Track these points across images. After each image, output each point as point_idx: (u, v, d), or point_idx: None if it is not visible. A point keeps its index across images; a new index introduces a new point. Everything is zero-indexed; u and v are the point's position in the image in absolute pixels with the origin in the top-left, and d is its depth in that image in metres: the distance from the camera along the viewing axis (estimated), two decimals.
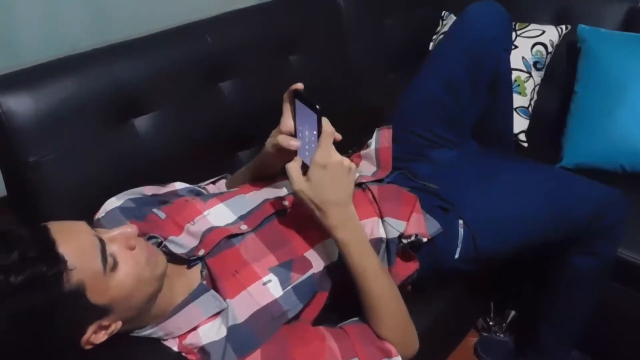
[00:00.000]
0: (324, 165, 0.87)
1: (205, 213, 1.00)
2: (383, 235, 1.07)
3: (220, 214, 1.01)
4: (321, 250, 0.99)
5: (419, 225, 1.09)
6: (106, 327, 0.79)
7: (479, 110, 1.32)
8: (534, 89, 1.71)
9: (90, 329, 0.77)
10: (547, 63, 1.73)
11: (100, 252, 0.76)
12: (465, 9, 1.26)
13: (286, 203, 1.04)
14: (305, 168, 0.90)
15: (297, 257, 0.96)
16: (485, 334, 1.62)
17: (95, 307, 0.76)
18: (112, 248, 0.79)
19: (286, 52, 1.49)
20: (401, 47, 1.79)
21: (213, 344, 0.85)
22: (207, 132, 1.30)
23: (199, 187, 1.16)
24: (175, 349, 0.88)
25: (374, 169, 1.26)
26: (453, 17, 1.85)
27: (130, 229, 0.82)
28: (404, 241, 1.07)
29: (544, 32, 1.71)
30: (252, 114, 1.37)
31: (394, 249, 1.07)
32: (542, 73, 1.73)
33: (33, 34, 1.47)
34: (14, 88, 1.04)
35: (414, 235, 1.07)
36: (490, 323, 1.62)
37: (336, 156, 0.88)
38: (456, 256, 1.13)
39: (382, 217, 1.08)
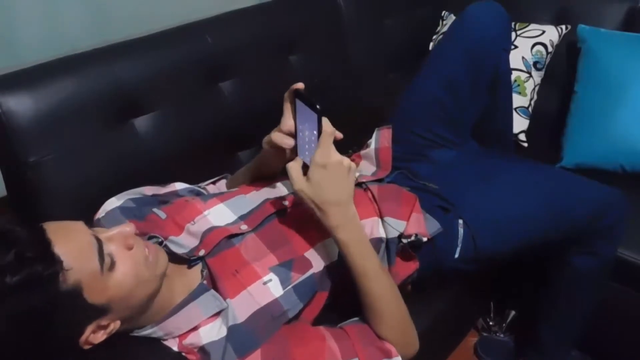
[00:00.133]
0: (323, 165, 0.87)
1: (206, 213, 1.00)
2: (383, 235, 1.07)
3: (220, 214, 1.01)
4: (321, 250, 0.99)
5: (418, 225, 1.09)
6: (105, 327, 0.79)
7: (479, 110, 1.32)
8: (534, 89, 1.71)
9: (89, 328, 0.77)
10: (547, 63, 1.73)
11: (97, 252, 0.76)
12: (465, 9, 1.26)
13: (286, 203, 1.04)
14: (305, 168, 0.91)
15: (298, 256, 0.96)
16: (485, 334, 1.62)
17: (93, 307, 0.76)
18: (109, 248, 0.79)
19: (286, 52, 1.49)
20: (401, 47, 1.79)
21: (213, 344, 0.85)
22: (207, 132, 1.30)
23: (199, 187, 1.16)
24: (175, 348, 0.88)
25: (373, 168, 1.26)
26: (453, 17, 1.85)
27: (128, 227, 0.82)
28: (404, 241, 1.07)
29: (544, 32, 1.71)
30: (252, 114, 1.37)
31: (393, 249, 1.07)
32: (542, 73, 1.73)
33: (33, 34, 1.47)
34: (14, 88, 1.04)
35: (414, 235, 1.07)
36: (490, 323, 1.62)
37: (336, 156, 0.88)
38: (456, 256, 1.13)
39: (382, 217, 1.08)
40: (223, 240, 0.96)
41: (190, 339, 0.87)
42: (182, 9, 1.57)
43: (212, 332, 0.87)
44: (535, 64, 1.70)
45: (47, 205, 1.07)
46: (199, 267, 0.94)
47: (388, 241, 1.06)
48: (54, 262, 0.71)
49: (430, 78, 1.29)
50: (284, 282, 0.91)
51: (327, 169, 0.87)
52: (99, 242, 0.78)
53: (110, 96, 1.14)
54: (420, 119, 1.29)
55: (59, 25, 1.51)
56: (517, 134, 1.66)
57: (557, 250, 1.25)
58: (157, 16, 1.54)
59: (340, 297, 1.00)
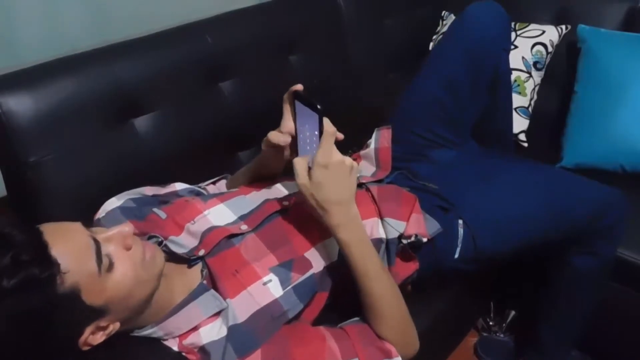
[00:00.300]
0: (325, 165, 0.87)
1: (206, 213, 1.00)
2: (383, 235, 1.07)
3: (220, 214, 1.01)
4: (321, 250, 0.99)
5: (418, 225, 1.09)
6: (104, 328, 0.79)
7: (479, 110, 1.32)
8: (534, 89, 1.71)
9: (88, 330, 0.77)
10: (547, 63, 1.73)
11: (95, 253, 0.76)
12: (465, 9, 1.26)
13: (286, 203, 1.04)
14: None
15: (298, 257, 0.96)
16: (485, 334, 1.62)
17: (91, 308, 0.76)
18: (108, 248, 0.78)
19: (286, 52, 1.49)
20: (401, 47, 1.79)
21: (213, 344, 0.85)
22: (207, 132, 1.30)
23: (199, 187, 1.16)
24: (175, 348, 0.88)
25: (373, 169, 1.26)
26: (453, 17, 1.85)
27: (127, 227, 0.82)
28: (404, 241, 1.07)
29: (544, 32, 1.71)
30: (252, 114, 1.37)
31: (393, 249, 1.07)
32: (542, 73, 1.73)
33: (33, 34, 1.47)
34: (14, 88, 1.04)
35: (414, 236, 1.07)
36: (490, 323, 1.62)
37: (338, 156, 0.89)
38: (456, 256, 1.13)
39: (381, 218, 1.08)
40: (223, 240, 0.96)
41: (190, 339, 0.87)
42: (182, 9, 1.57)
43: (212, 332, 0.87)
44: (535, 64, 1.70)
45: (47, 205, 1.07)
46: (198, 266, 0.94)
47: (388, 242, 1.06)
48: (50, 265, 0.71)
49: (430, 78, 1.29)
50: (283, 283, 0.91)
51: (329, 168, 0.88)
52: (97, 243, 0.77)
53: (110, 96, 1.14)
54: (420, 119, 1.29)
55: (59, 25, 1.51)
56: (517, 134, 1.66)
57: (557, 250, 1.25)
58: (157, 16, 1.54)
59: (340, 297, 1.00)
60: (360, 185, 1.14)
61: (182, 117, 1.25)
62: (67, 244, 0.74)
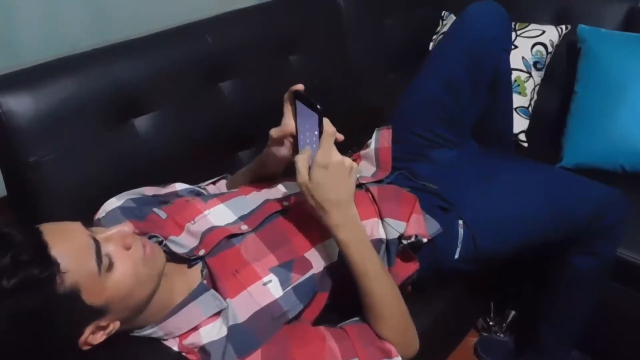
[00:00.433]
0: (325, 165, 0.87)
1: (206, 213, 1.00)
2: (383, 236, 1.07)
3: (220, 214, 1.01)
4: (321, 251, 0.99)
5: (418, 225, 1.09)
6: (104, 328, 0.79)
7: (479, 110, 1.32)
8: (534, 89, 1.71)
9: (88, 329, 0.77)
10: (547, 63, 1.73)
11: (95, 253, 0.76)
12: (465, 9, 1.26)
13: (287, 203, 1.04)
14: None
15: (298, 257, 0.96)
16: (485, 334, 1.62)
17: (91, 308, 0.76)
18: (108, 248, 0.78)
19: (286, 52, 1.49)
20: (401, 47, 1.79)
21: (213, 344, 0.85)
22: (207, 132, 1.30)
23: (199, 187, 1.16)
24: (175, 348, 0.88)
25: (373, 169, 1.26)
26: (453, 17, 1.85)
27: (127, 227, 0.82)
28: (404, 242, 1.07)
29: (544, 32, 1.71)
30: (252, 114, 1.37)
31: (393, 250, 1.07)
32: (542, 73, 1.73)
33: (33, 34, 1.47)
34: (14, 88, 1.04)
35: (414, 236, 1.07)
36: (490, 323, 1.62)
37: (337, 156, 0.89)
38: (456, 256, 1.13)
39: (381, 218, 1.08)
40: (223, 240, 0.96)
41: (190, 339, 0.87)
42: (182, 9, 1.57)
43: (212, 332, 0.87)
44: (535, 64, 1.70)
45: (47, 205, 1.07)
46: (199, 266, 0.94)
47: (388, 242, 1.06)
48: (50, 265, 0.71)
49: (430, 78, 1.29)
50: (283, 283, 0.91)
51: (329, 169, 0.88)
52: (97, 243, 0.77)
53: (110, 96, 1.14)
54: (420, 119, 1.29)
55: (59, 25, 1.51)
56: (517, 134, 1.66)
57: (557, 250, 1.25)
58: (157, 16, 1.54)
59: (340, 297, 1.00)
60: (360, 186, 1.14)
61: (182, 117, 1.25)
62: (67, 244, 0.74)
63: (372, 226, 1.07)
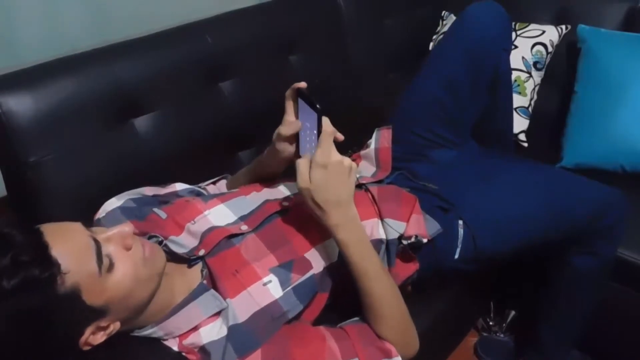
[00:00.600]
0: (324, 165, 0.87)
1: (206, 213, 1.00)
2: (383, 236, 1.07)
3: (220, 214, 1.01)
4: (321, 251, 0.99)
5: (418, 226, 1.09)
6: (104, 328, 0.79)
7: (479, 110, 1.32)
8: (534, 89, 1.71)
9: (88, 330, 0.77)
10: (547, 63, 1.73)
11: (96, 254, 0.76)
12: (465, 9, 1.26)
13: (287, 204, 1.04)
14: None
15: (298, 257, 0.96)
16: (485, 334, 1.62)
17: (91, 308, 0.76)
18: (108, 249, 0.78)
19: (286, 52, 1.49)
20: (401, 47, 1.79)
21: (213, 344, 0.85)
22: (207, 132, 1.30)
23: (199, 187, 1.16)
24: (175, 348, 0.88)
25: (373, 169, 1.26)
26: (453, 17, 1.85)
27: (127, 227, 0.82)
28: (404, 242, 1.07)
29: (544, 32, 1.71)
30: (252, 114, 1.37)
31: (393, 250, 1.07)
32: (542, 73, 1.73)
33: (33, 34, 1.47)
34: (14, 88, 1.04)
35: (414, 237, 1.07)
36: (490, 323, 1.62)
37: (336, 156, 0.88)
38: (456, 256, 1.13)
39: (381, 218, 1.08)
40: (223, 240, 0.96)
41: (190, 339, 0.87)
42: (182, 9, 1.57)
43: (212, 332, 0.87)
44: (535, 64, 1.70)
45: (47, 205, 1.07)
46: (199, 266, 0.94)
47: (388, 242, 1.06)
48: (51, 265, 0.71)
49: (430, 78, 1.29)
50: (283, 284, 0.91)
51: (328, 168, 0.87)
52: (97, 243, 0.77)
53: (110, 96, 1.14)
54: (420, 119, 1.29)
55: (59, 25, 1.51)
56: (517, 134, 1.66)
57: (557, 250, 1.25)
58: (157, 16, 1.54)
59: (340, 298, 1.00)
60: (360, 186, 1.14)
61: (182, 117, 1.25)
62: (67, 245, 0.74)
63: (372, 226, 1.07)
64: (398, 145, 1.26)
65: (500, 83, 1.32)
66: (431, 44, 1.88)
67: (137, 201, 1.05)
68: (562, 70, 1.72)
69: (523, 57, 1.69)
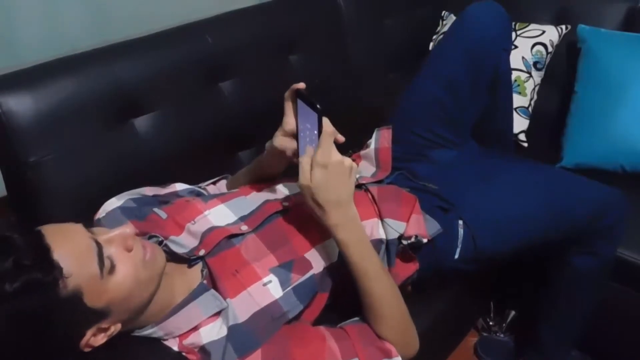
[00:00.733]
0: (324, 165, 0.87)
1: (206, 213, 1.00)
2: (383, 236, 1.07)
3: (220, 214, 1.01)
4: (321, 251, 0.99)
5: (418, 226, 1.09)
6: (105, 330, 0.79)
7: (479, 110, 1.32)
8: (534, 89, 1.71)
9: (89, 332, 0.77)
10: (547, 63, 1.73)
11: (97, 256, 0.76)
12: (465, 9, 1.26)
13: (287, 204, 1.04)
14: None
15: (298, 257, 0.96)
16: (485, 334, 1.62)
17: (93, 310, 0.76)
18: (109, 250, 0.78)
19: (286, 52, 1.49)
20: (401, 47, 1.79)
21: (213, 344, 0.85)
22: (207, 132, 1.30)
23: (199, 187, 1.16)
24: (175, 348, 0.88)
25: (373, 169, 1.26)
26: (453, 17, 1.85)
27: (128, 229, 0.82)
28: (404, 242, 1.07)
29: (544, 32, 1.71)
30: (252, 114, 1.37)
31: (393, 250, 1.07)
32: (542, 73, 1.73)
33: (33, 34, 1.47)
34: (14, 88, 1.04)
35: (414, 237, 1.07)
36: (490, 323, 1.62)
37: (337, 156, 0.89)
38: (456, 256, 1.13)
39: (381, 218, 1.08)
40: (223, 240, 0.96)
41: (190, 339, 0.87)
42: (182, 9, 1.57)
43: (212, 332, 0.87)
44: (535, 64, 1.70)
45: (47, 205, 1.07)
46: (199, 266, 0.94)
47: (388, 242, 1.06)
48: (53, 269, 0.71)
49: (430, 78, 1.29)
50: (283, 284, 0.91)
51: (328, 168, 0.88)
52: (99, 245, 0.77)
53: (110, 96, 1.14)
54: (420, 119, 1.29)
55: (59, 25, 1.51)
56: (517, 134, 1.66)
57: (557, 250, 1.25)
58: (157, 16, 1.54)
59: (340, 298, 1.00)
60: (360, 186, 1.14)
61: (182, 117, 1.25)
62: (68, 247, 0.74)
63: (372, 226, 1.07)
64: (398, 145, 1.26)
65: (500, 83, 1.32)
66: (431, 44, 1.88)
67: (137, 201, 1.05)
68: (562, 70, 1.72)
69: (523, 57, 1.69)
